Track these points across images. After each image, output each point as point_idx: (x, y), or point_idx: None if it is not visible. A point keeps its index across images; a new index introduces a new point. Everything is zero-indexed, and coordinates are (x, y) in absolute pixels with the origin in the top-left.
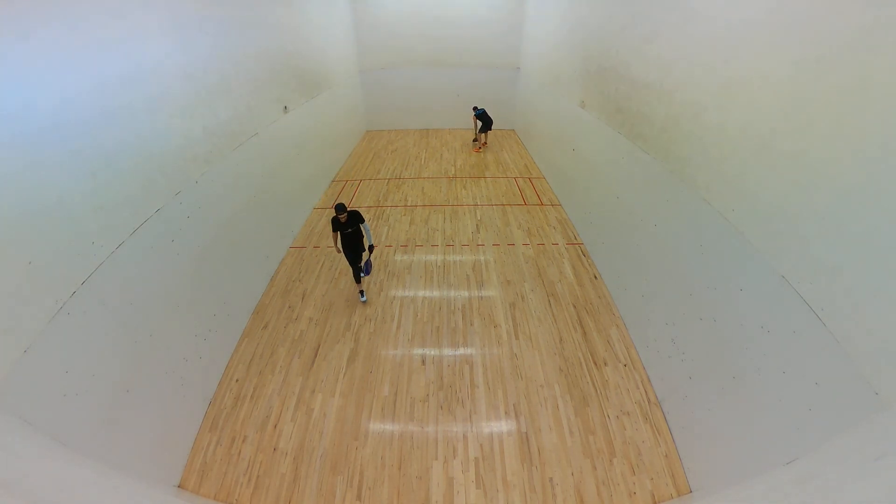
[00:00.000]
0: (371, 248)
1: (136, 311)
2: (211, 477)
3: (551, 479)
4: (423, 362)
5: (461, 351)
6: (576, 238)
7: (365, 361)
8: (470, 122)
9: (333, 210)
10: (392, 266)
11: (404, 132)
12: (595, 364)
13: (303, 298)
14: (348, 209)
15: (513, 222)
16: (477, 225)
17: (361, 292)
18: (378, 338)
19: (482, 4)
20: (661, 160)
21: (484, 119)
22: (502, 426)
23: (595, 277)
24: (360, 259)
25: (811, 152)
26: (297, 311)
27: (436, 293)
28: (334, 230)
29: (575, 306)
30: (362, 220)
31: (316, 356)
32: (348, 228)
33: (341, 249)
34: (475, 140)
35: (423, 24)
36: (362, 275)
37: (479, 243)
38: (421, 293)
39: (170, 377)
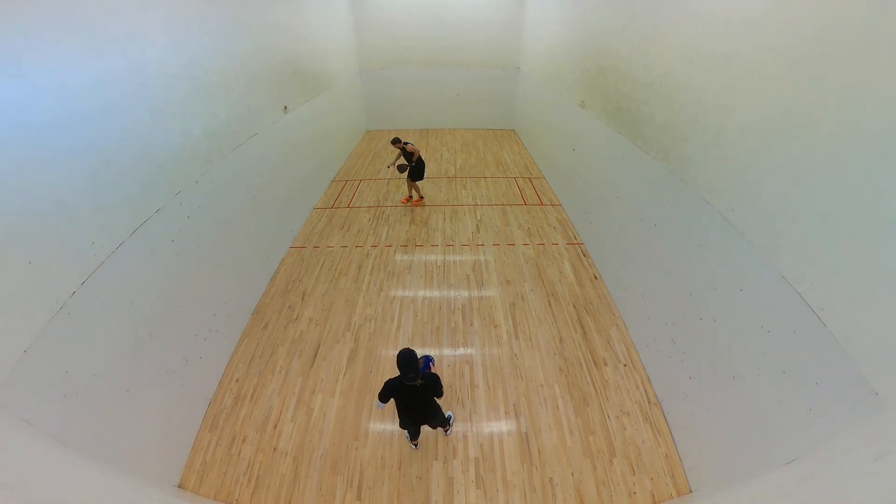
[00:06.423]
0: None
1: (136, 311)
2: (211, 477)
3: (551, 479)
4: None
5: (461, 351)
6: (576, 238)
7: (365, 361)
8: (470, 122)
9: (398, 360)
10: (392, 266)
11: (404, 132)
12: (595, 364)
13: (303, 298)
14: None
15: (513, 222)
16: (477, 225)
17: (416, 444)
18: (378, 338)
19: (482, 4)
20: (661, 160)
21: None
22: (502, 426)
23: (595, 277)
24: (431, 415)
25: (811, 152)
26: (297, 311)
27: (436, 293)
28: (387, 397)
29: (575, 306)
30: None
31: (316, 356)
32: (419, 393)
33: (403, 415)
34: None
35: (423, 24)
36: (447, 432)
37: (479, 243)
38: (421, 293)
39: (170, 377)
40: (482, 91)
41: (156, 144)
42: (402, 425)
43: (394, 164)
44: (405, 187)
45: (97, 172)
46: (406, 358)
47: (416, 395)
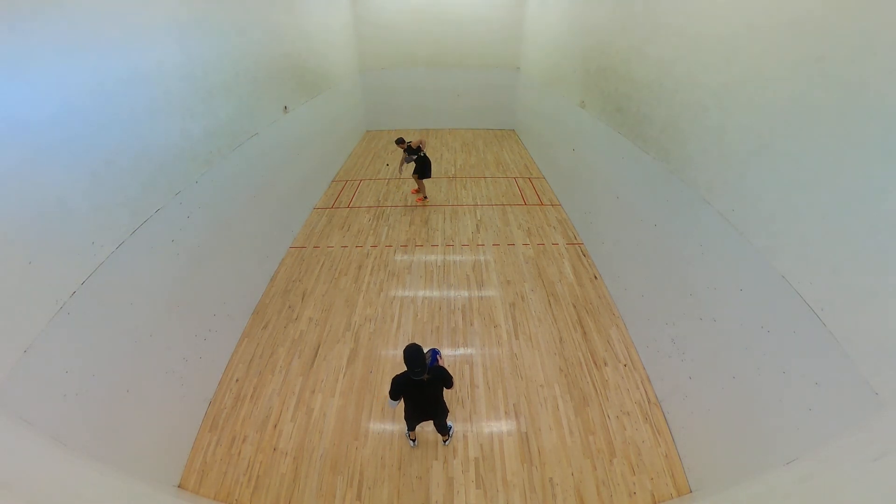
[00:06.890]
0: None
1: (136, 311)
2: (211, 477)
3: (551, 479)
4: None
5: (461, 351)
6: (576, 238)
7: (365, 361)
8: (470, 122)
9: (404, 356)
10: (392, 266)
11: (404, 132)
12: (595, 364)
13: (303, 298)
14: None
15: (513, 222)
16: (477, 225)
17: (415, 440)
18: (378, 338)
19: (482, 4)
20: (661, 160)
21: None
22: (502, 426)
23: (595, 277)
24: (439, 411)
25: (811, 152)
26: (297, 311)
27: (436, 293)
28: (398, 394)
29: (575, 306)
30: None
31: (316, 356)
32: (426, 387)
33: (409, 412)
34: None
35: (423, 24)
36: (445, 441)
37: (479, 243)
38: (421, 293)
39: (170, 377)
40: (482, 91)
41: (156, 144)
42: (407, 418)
43: (401, 164)
44: (405, 187)
45: (97, 172)
46: (412, 353)
47: (423, 389)
